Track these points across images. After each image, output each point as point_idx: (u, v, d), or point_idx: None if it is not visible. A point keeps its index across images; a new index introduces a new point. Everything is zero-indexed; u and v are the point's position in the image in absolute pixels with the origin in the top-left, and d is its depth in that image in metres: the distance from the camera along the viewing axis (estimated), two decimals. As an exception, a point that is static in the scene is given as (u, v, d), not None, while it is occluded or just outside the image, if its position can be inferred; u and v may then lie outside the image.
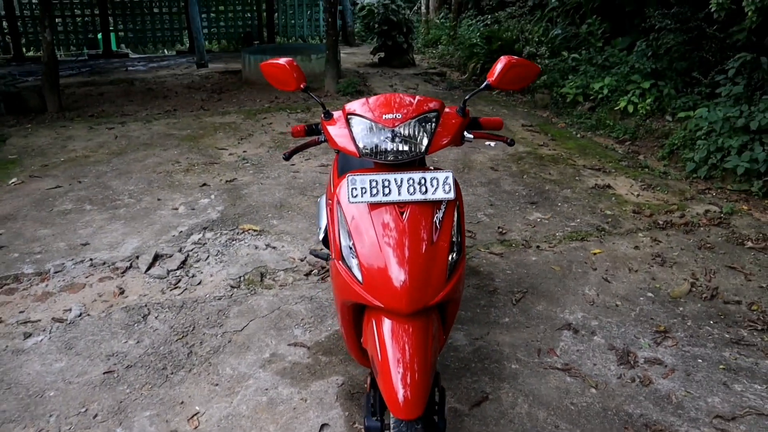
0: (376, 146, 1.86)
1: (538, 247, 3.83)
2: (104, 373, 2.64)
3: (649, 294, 3.31)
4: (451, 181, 1.84)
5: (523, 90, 8.19)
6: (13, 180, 4.95)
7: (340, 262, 1.88)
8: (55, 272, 3.49)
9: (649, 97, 6.48)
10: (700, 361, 2.75)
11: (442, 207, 1.89)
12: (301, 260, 3.64)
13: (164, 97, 8.52)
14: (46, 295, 3.27)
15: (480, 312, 3.13)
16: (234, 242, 3.88)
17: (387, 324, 1.80)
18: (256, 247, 3.81)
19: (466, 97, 2.09)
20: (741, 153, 4.93)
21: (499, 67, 2.01)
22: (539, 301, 3.23)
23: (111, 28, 13.69)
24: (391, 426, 1.79)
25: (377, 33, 11.17)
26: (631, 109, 6.49)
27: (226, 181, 4.97)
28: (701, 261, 3.67)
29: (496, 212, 4.36)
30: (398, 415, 1.70)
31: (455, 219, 1.92)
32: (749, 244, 3.89)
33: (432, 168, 1.93)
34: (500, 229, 4.07)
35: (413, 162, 1.94)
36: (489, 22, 10.93)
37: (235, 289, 3.33)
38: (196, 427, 2.34)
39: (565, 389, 2.57)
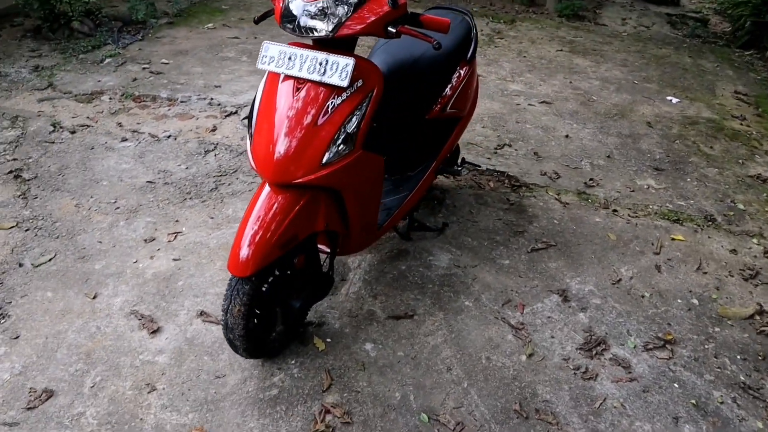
0: (295, 20, 1.83)
1: (615, 211, 3.35)
2: (147, 182, 3.21)
3: (693, 301, 2.76)
4: (350, 69, 1.76)
5: (759, 41, 6.55)
6: (208, 25, 5.80)
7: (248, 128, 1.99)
8: (181, 102, 4.17)
9: None
10: (675, 386, 2.30)
11: (345, 95, 1.84)
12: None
13: None
14: (163, 117, 3.96)
15: (487, 245, 2.95)
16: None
17: (264, 189, 1.89)
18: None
19: None
20: None
21: None
22: (558, 259, 2.92)
23: None
24: (228, 284, 1.90)
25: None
26: None
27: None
28: (806, 296, 2.89)
29: (606, 164, 3.84)
30: (230, 270, 1.81)
31: (356, 111, 1.85)
32: None
33: (344, 53, 1.85)
34: (591, 181, 3.62)
35: (336, 43, 1.85)
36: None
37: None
38: (169, 241, 2.78)
39: (496, 345, 2.39)
